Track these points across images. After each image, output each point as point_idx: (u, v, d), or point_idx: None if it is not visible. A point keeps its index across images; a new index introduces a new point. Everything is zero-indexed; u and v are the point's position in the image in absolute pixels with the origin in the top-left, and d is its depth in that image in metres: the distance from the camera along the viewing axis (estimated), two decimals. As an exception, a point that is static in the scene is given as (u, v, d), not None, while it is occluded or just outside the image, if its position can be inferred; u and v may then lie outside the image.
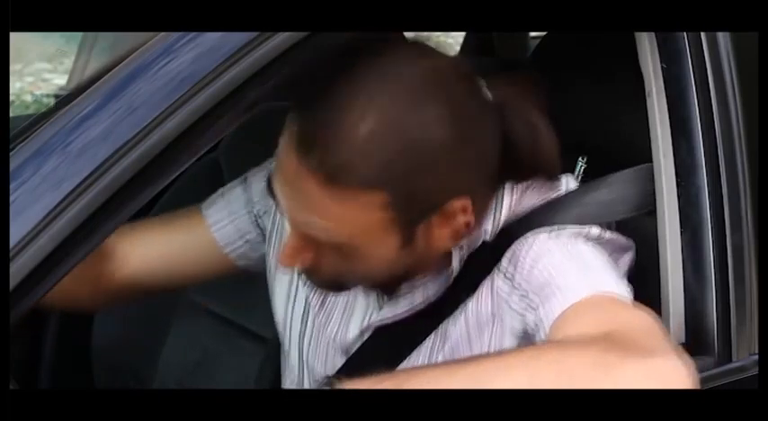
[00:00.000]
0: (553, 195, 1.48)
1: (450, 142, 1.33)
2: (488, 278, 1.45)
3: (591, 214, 1.47)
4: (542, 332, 1.36)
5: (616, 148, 1.62)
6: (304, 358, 1.63)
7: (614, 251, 1.46)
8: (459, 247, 1.45)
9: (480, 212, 1.43)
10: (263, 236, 1.67)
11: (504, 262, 1.43)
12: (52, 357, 2.33)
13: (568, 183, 1.51)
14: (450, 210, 1.38)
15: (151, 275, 1.67)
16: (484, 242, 1.46)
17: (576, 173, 1.66)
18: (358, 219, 1.35)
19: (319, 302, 1.59)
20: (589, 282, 1.35)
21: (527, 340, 1.41)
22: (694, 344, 1.50)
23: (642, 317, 1.29)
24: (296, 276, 1.61)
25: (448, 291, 1.48)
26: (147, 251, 1.66)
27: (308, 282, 1.50)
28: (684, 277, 1.51)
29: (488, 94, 1.41)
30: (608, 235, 1.45)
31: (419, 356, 1.50)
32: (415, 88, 1.33)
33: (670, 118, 1.51)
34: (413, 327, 1.50)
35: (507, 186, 1.46)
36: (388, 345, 1.51)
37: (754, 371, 1.50)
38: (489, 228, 1.46)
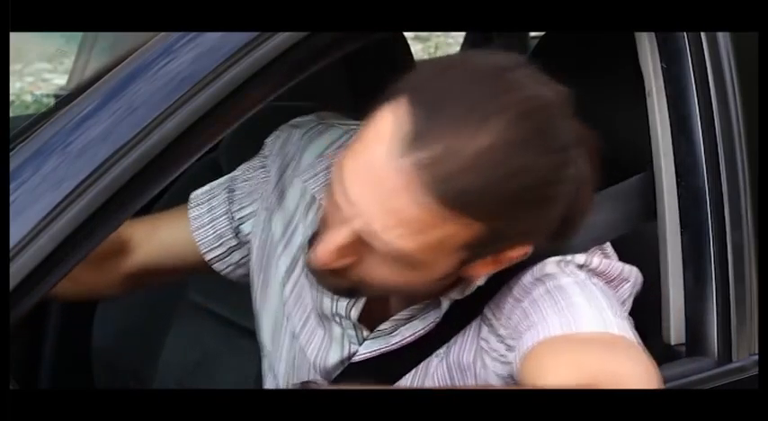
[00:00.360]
0: None
1: (556, 199, 1.26)
2: (474, 323, 1.41)
3: (589, 238, 1.43)
4: (515, 368, 1.33)
5: (616, 148, 1.62)
6: (285, 371, 1.59)
7: (607, 281, 1.40)
8: (450, 295, 1.41)
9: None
10: (241, 243, 1.62)
11: (487, 311, 1.40)
12: (52, 357, 2.33)
13: None
14: (510, 255, 1.31)
15: (167, 264, 1.65)
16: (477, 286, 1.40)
17: None
18: (440, 240, 1.25)
19: (302, 321, 1.54)
20: (564, 319, 1.31)
21: (514, 384, 1.37)
22: (694, 344, 1.50)
23: (613, 363, 1.25)
24: (285, 288, 1.56)
25: (434, 330, 1.43)
26: (159, 240, 1.64)
27: (316, 283, 1.40)
28: (684, 277, 1.51)
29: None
30: (595, 263, 1.39)
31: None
32: (549, 137, 1.24)
33: (670, 118, 1.51)
34: (394, 363, 1.46)
35: None
36: (367, 378, 1.43)
37: (754, 371, 1.49)
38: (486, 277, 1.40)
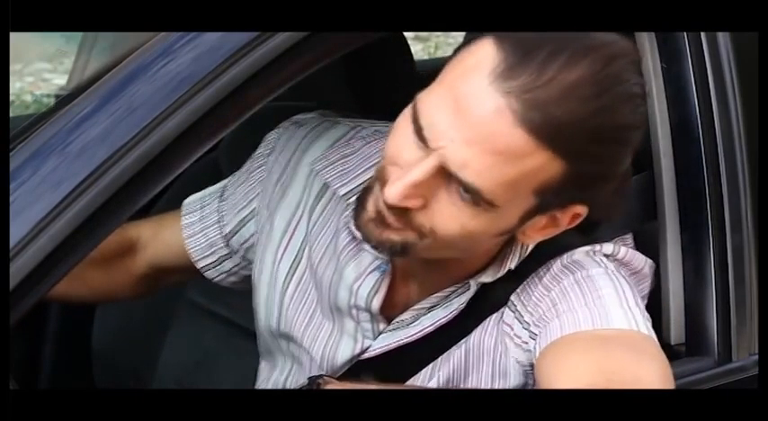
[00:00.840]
0: None
1: (630, 145, 1.29)
2: (500, 312, 1.41)
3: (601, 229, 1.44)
4: (535, 355, 1.33)
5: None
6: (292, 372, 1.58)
7: (632, 273, 1.41)
8: (476, 280, 1.40)
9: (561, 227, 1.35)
10: (232, 251, 1.62)
11: (514, 297, 1.40)
12: (52, 357, 2.33)
13: None
14: (569, 214, 1.32)
15: (174, 264, 1.66)
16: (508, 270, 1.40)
17: None
18: (521, 176, 1.24)
19: (306, 318, 1.53)
20: (592, 313, 1.31)
21: (532, 372, 1.38)
22: (694, 344, 1.50)
23: (635, 365, 1.26)
24: (289, 287, 1.55)
25: (456, 319, 1.43)
26: (165, 239, 1.65)
27: (366, 238, 1.34)
28: (684, 277, 1.50)
29: None
30: (622, 253, 1.40)
31: (411, 381, 1.45)
32: (633, 93, 1.26)
33: (670, 118, 1.51)
34: (409, 357, 1.45)
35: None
36: (378, 373, 1.44)
37: (754, 371, 1.50)
38: (517, 261, 1.40)
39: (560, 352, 1.30)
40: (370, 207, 1.31)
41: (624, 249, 1.42)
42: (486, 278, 1.40)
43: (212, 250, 1.62)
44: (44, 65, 5.28)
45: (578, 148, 1.23)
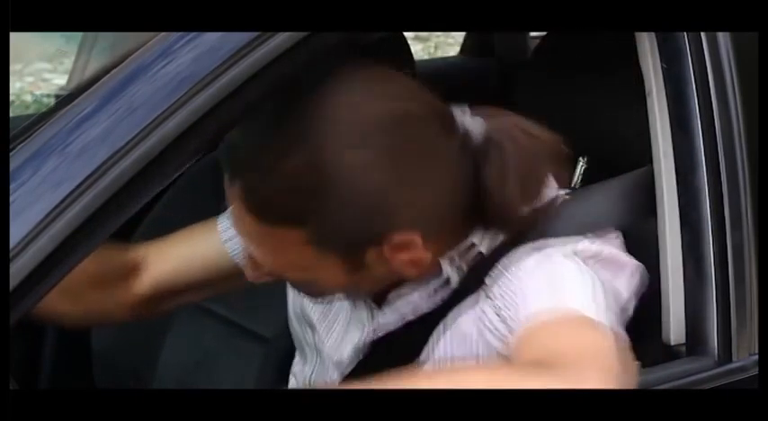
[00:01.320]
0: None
1: (381, 185, 1.32)
2: (476, 294, 1.42)
3: (588, 223, 1.45)
4: (505, 341, 1.35)
5: (616, 148, 1.62)
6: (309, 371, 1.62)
7: (605, 266, 1.41)
8: (450, 259, 1.43)
9: (441, 246, 1.40)
10: None
11: (489, 280, 1.41)
12: (52, 357, 2.33)
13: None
14: (396, 243, 1.35)
15: (179, 284, 1.68)
16: (480, 254, 1.43)
17: (577, 173, 1.66)
18: (285, 252, 1.37)
19: (321, 314, 1.57)
20: (554, 300, 1.32)
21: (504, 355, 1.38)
22: (694, 344, 1.50)
23: (595, 348, 1.25)
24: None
25: (439, 302, 1.45)
26: (171, 259, 1.67)
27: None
28: (684, 277, 1.50)
29: (465, 126, 1.39)
30: (596, 247, 1.41)
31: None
32: (354, 131, 1.31)
33: (670, 118, 1.51)
34: (405, 341, 1.47)
35: None
36: (382, 361, 1.42)
37: (754, 371, 1.49)
38: (479, 242, 1.43)
39: (519, 341, 1.30)
40: None
41: (600, 247, 1.41)
42: (457, 262, 1.43)
43: None
44: (44, 65, 5.29)
45: (317, 221, 1.33)
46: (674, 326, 1.51)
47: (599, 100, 1.78)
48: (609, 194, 1.52)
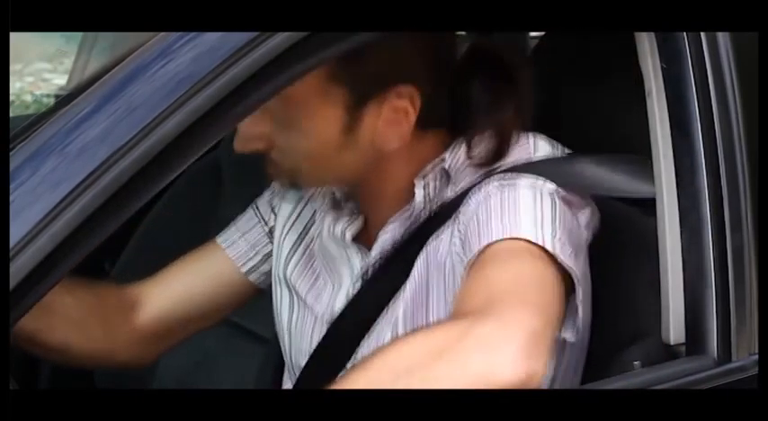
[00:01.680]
0: (520, 149, 1.52)
1: (416, 41, 1.42)
2: (449, 224, 1.48)
3: (579, 184, 1.50)
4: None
5: (616, 148, 1.62)
6: (291, 346, 1.66)
7: (567, 202, 1.46)
8: (422, 182, 1.50)
9: (430, 112, 1.47)
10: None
11: (461, 210, 1.47)
12: (52, 357, 2.32)
13: (536, 141, 1.54)
14: (394, 96, 1.44)
15: (180, 315, 1.70)
16: (447, 175, 1.50)
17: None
18: (303, 88, 1.39)
19: (309, 284, 1.62)
20: (508, 225, 1.39)
21: None
22: (694, 343, 1.50)
23: (534, 280, 1.32)
24: (290, 264, 1.65)
25: (414, 231, 1.52)
26: (170, 291, 1.69)
27: (274, 180, 1.57)
28: (684, 277, 1.50)
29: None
30: (562, 193, 1.46)
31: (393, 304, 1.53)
32: None
33: (670, 118, 1.51)
34: (390, 276, 1.53)
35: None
36: (371, 300, 1.55)
37: (754, 371, 1.49)
38: (450, 163, 1.51)
39: (468, 271, 1.37)
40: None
41: (564, 192, 1.47)
42: (428, 182, 1.51)
43: (255, 250, 1.69)
44: (44, 65, 5.28)
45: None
46: (674, 326, 1.51)
47: (598, 100, 1.77)
48: (601, 162, 1.55)
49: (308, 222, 1.66)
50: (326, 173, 1.52)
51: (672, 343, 1.51)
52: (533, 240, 1.38)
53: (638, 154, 1.56)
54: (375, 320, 1.53)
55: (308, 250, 1.64)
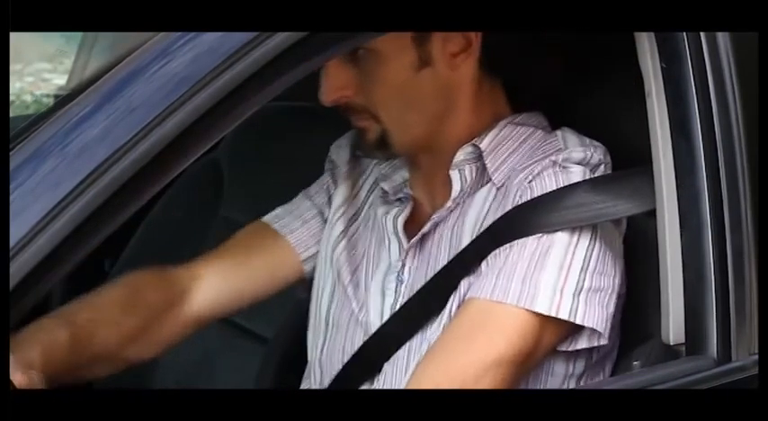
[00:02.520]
0: (550, 139, 1.58)
1: None
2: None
3: (592, 210, 1.50)
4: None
5: (616, 149, 1.62)
6: (326, 338, 1.67)
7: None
8: (457, 174, 1.57)
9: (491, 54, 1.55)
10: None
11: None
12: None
13: (564, 133, 1.59)
14: (451, 47, 1.52)
15: (232, 303, 1.71)
16: (483, 164, 1.57)
17: None
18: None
19: (350, 272, 1.66)
20: (522, 288, 1.44)
21: None
22: (694, 343, 1.50)
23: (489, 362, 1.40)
24: (337, 249, 1.68)
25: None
26: (224, 280, 1.69)
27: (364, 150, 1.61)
28: (684, 277, 1.50)
29: None
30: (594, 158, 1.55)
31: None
32: None
33: (670, 118, 1.51)
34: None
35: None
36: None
37: (754, 371, 1.49)
38: (483, 140, 1.58)
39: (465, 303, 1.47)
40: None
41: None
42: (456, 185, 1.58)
43: (316, 239, 1.73)
44: (44, 65, 5.27)
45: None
46: (674, 326, 1.51)
47: (598, 100, 1.77)
48: (611, 184, 1.55)
49: (360, 207, 1.70)
50: (410, 116, 1.56)
51: (672, 343, 1.51)
52: (546, 313, 1.44)
53: (637, 154, 1.56)
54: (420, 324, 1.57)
55: (354, 236, 1.68)
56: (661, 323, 1.51)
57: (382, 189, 1.67)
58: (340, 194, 1.72)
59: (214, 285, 1.68)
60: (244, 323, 2.14)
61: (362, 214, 1.70)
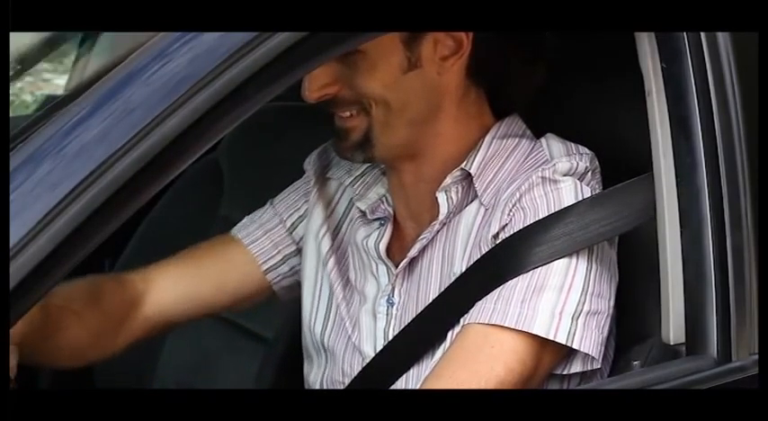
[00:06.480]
0: (536, 150, 1.57)
1: None
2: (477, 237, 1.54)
3: (591, 232, 1.49)
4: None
5: (616, 149, 1.62)
6: (326, 361, 1.65)
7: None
8: (444, 194, 1.55)
9: (479, 61, 1.54)
10: (297, 249, 1.71)
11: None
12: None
13: (548, 141, 1.57)
14: (451, 36, 1.50)
15: (187, 310, 1.70)
16: (470, 182, 1.55)
17: None
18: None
19: (341, 285, 1.64)
20: (521, 313, 1.44)
21: None
22: (694, 343, 1.50)
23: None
24: (327, 265, 1.67)
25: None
26: (179, 285, 1.69)
27: (339, 146, 1.57)
28: (684, 277, 1.50)
29: None
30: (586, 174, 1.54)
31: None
32: None
33: (670, 118, 1.51)
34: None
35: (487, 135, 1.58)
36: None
37: (754, 371, 1.49)
38: (472, 164, 1.56)
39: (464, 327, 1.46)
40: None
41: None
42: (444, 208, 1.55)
43: (278, 249, 1.71)
44: (44, 65, 5.27)
45: None
46: (674, 326, 1.51)
47: (599, 100, 1.77)
48: (611, 201, 1.53)
49: (339, 224, 1.68)
50: (395, 117, 1.53)
51: (672, 342, 1.51)
52: (544, 336, 1.43)
53: (637, 154, 1.56)
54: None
55: (340, 251, 1.67)
56: (661, 322, 1.51)
57: (359, 209, 1.65)
58: (317, 214, 1.69)
59: (167, 290, 1.67)
60: (244, 323, 2.14)
61: (344, 231, 1.68)
